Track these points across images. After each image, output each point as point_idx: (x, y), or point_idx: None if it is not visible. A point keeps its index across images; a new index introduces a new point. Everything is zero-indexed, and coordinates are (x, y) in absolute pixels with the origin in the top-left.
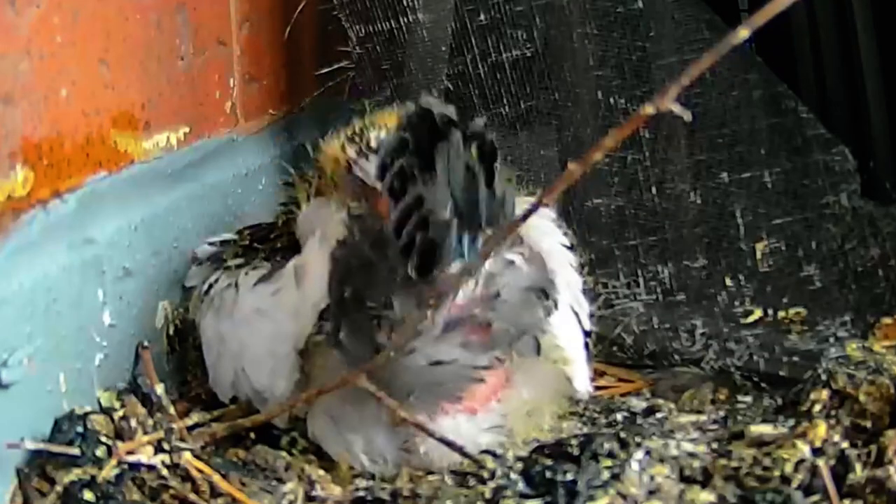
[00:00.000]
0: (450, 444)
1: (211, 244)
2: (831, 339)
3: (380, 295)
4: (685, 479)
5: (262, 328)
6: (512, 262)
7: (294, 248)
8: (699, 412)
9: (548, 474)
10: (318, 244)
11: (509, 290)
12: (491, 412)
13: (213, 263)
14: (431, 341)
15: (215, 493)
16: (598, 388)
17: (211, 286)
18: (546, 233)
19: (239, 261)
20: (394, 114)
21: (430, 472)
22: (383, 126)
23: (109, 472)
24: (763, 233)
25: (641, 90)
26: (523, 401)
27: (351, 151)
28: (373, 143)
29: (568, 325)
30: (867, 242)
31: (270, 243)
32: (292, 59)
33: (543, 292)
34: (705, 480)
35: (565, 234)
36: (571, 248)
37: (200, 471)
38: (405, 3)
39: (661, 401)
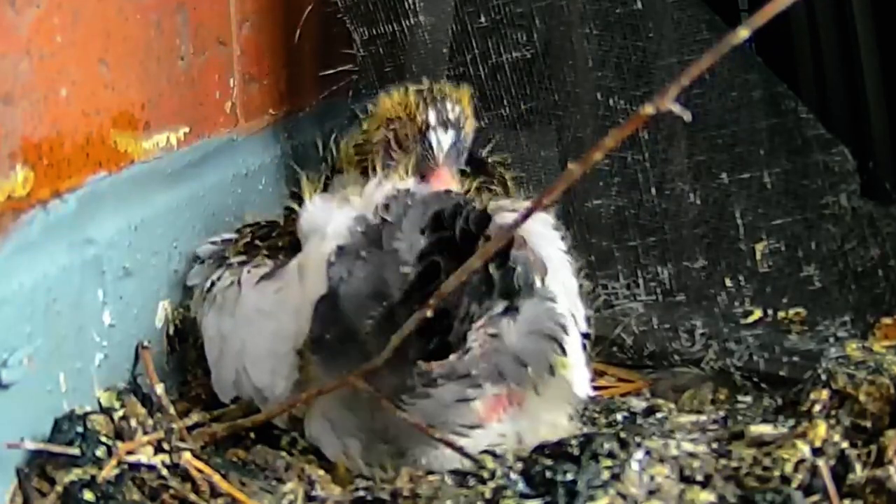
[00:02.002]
0: (449, 445)
1: (213, 243)
2: (831, 339)
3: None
4: (685, 479)
5: (264, 326)
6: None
7: (296, 247)
8: (699, 412)
9: (548, 474)
10: (320, 244)
11: (528, 343)
12: (490, 430)
13: (215, 261)
14: (443, 407)
15: (215, 493)
16: (598, 388)
17: (213, 283)
18: (545, 237)
19: (241, 258)
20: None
21: (430, 472)
22: (459, 101)
23: (109, 472)
24: (763, 233)
25: (641, 90)
26: (528, 415)
27: (431, 115)
28: (451, 116)
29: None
30: (867, 242)
31: (272, 241)
32: (292, 59)
33: (562, 328)
34: (705, 480)
35: (563, 237)
36: (569, 252)
37: (200, 471)
38: (407, 6)
39: (661, 401)
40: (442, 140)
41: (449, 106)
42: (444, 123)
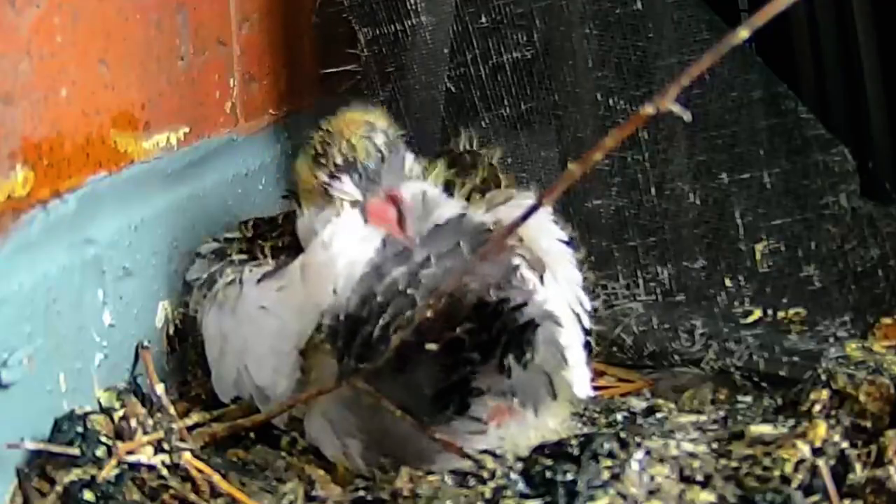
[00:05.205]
0: (448, 445)
1: (215, 240)
2: (831, 339)
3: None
4: (685, 479)
5: (266, 325)
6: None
7: (298, 247)
8: (699, 412)
9: (548, 474)
10: (322, 245)
11: (529, 380)
12: (489, 435)
13: (216, 258)
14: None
15: (215, 493)
16: (598, 388)
17: (214, 280)
18: (544, 230)
19: (243, 256)
20: (354, 117)
21: (430, 472)
22: (344, 140)
23: (109, 472)
24: (763, 233)
25: (641, 90)
26: (526, 421)
27: (322, 175)
28: (338, 161)
29: (568, 329)
30: (867, 242)
31: (274, 241)
32: (292, 59)
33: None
34: (705, 480)
35: (563, 229)
36: (570, 242)
37: (200, 471)
38: (409, 5)
39: (661, 401)
40: (342, 187)
41: (335, 151)
42: (337, 176)
